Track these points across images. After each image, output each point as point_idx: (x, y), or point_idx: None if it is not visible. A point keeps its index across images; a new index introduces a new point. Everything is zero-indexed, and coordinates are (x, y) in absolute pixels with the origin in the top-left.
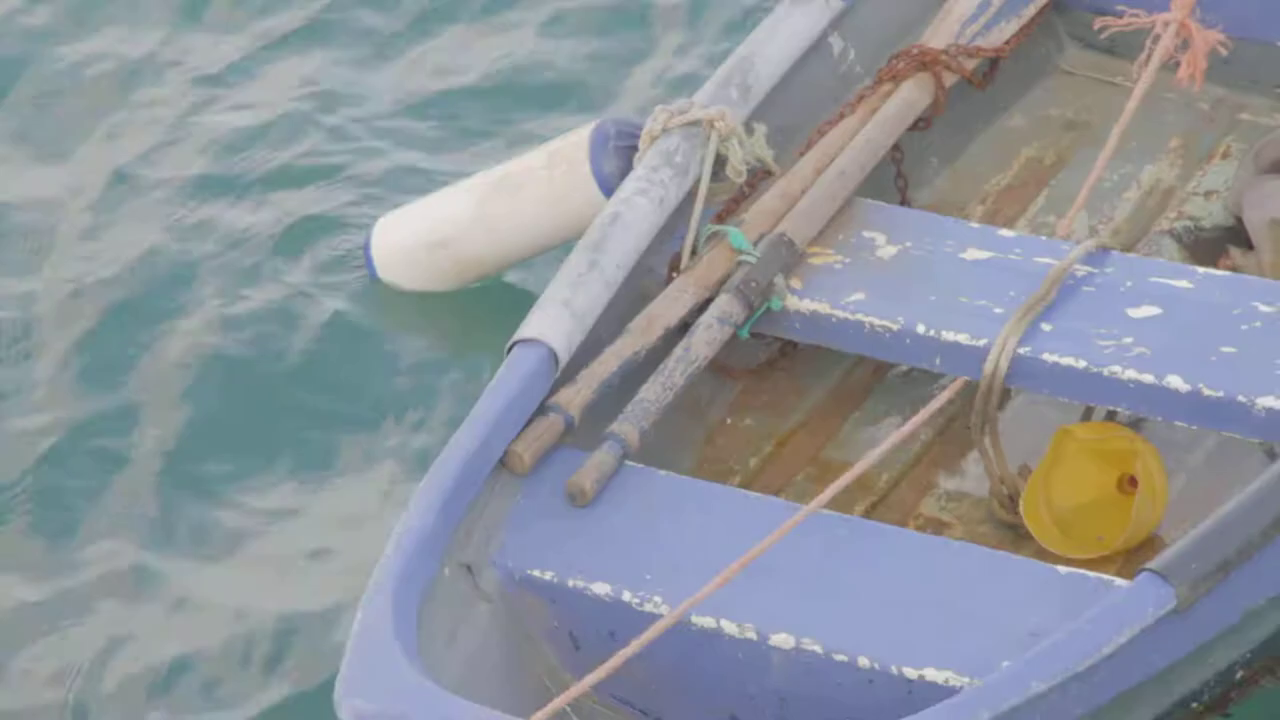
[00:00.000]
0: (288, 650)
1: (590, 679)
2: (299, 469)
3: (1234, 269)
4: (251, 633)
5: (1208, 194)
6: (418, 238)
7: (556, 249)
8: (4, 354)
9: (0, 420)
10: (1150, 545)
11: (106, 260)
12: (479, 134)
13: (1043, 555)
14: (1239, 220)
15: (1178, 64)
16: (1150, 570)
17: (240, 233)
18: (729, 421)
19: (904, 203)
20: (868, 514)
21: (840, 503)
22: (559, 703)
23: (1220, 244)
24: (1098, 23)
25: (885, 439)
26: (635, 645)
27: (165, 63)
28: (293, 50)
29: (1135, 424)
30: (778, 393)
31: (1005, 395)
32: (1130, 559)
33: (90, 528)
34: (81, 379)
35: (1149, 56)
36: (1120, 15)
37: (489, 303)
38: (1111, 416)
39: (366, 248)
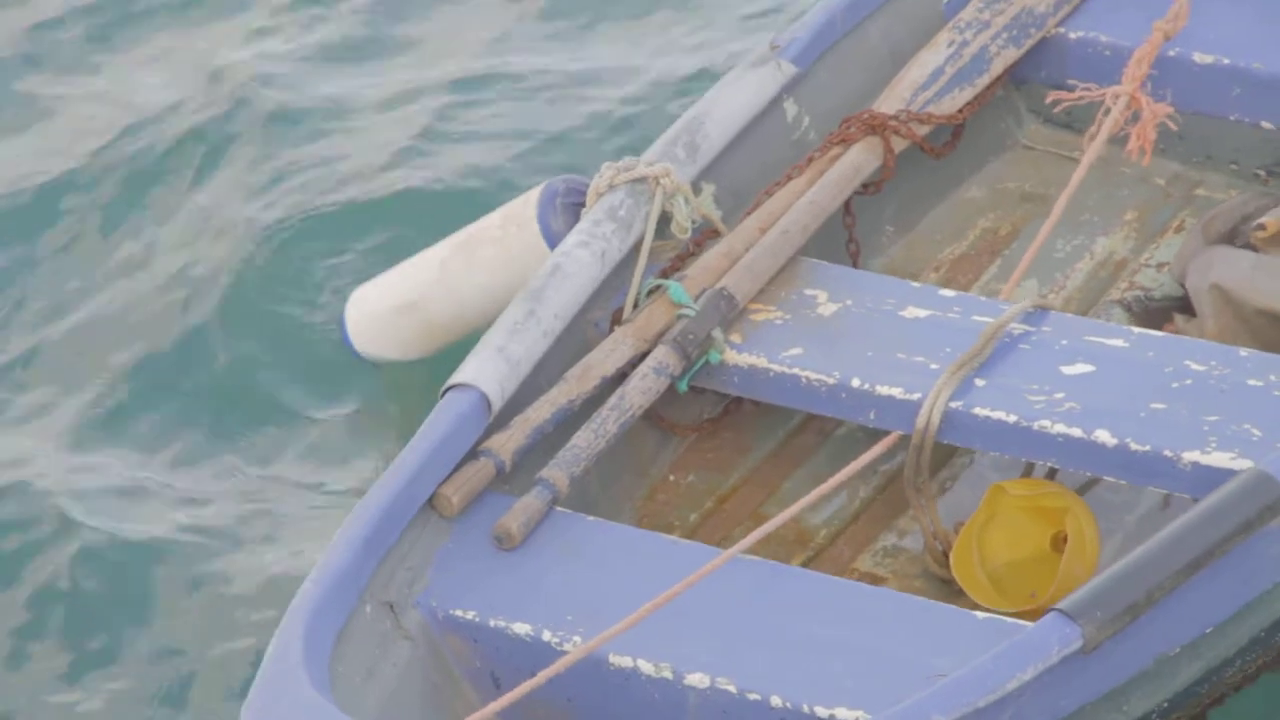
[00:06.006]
0: (207, 682)
1: (493, 706)
2: (243, 517)
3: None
4: (174, 666)
5: (1160, 266)
6: (386, 303)
7: None
8: None
9: None
10: None
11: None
12: (453, 202)
13: (973, 608)
14: (1186, 289)
15: (1129, 137)
16: (1058, 610)
17: (216, 304)
18: (672, 478)
19: (856, 268)
20: (803, 568)
21: (777, 556)
22: None
23: (1170, 313)
24: (1050, 97)
25: (825, 494)
26: (543, 676)
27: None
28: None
29: (1084, 489)
30: (722, 450)
31: (951, 456)
32: None
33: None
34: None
35: (1099, 129)
36: (1073, 89)
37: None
38: (1053, 475)
39: (342, 320)
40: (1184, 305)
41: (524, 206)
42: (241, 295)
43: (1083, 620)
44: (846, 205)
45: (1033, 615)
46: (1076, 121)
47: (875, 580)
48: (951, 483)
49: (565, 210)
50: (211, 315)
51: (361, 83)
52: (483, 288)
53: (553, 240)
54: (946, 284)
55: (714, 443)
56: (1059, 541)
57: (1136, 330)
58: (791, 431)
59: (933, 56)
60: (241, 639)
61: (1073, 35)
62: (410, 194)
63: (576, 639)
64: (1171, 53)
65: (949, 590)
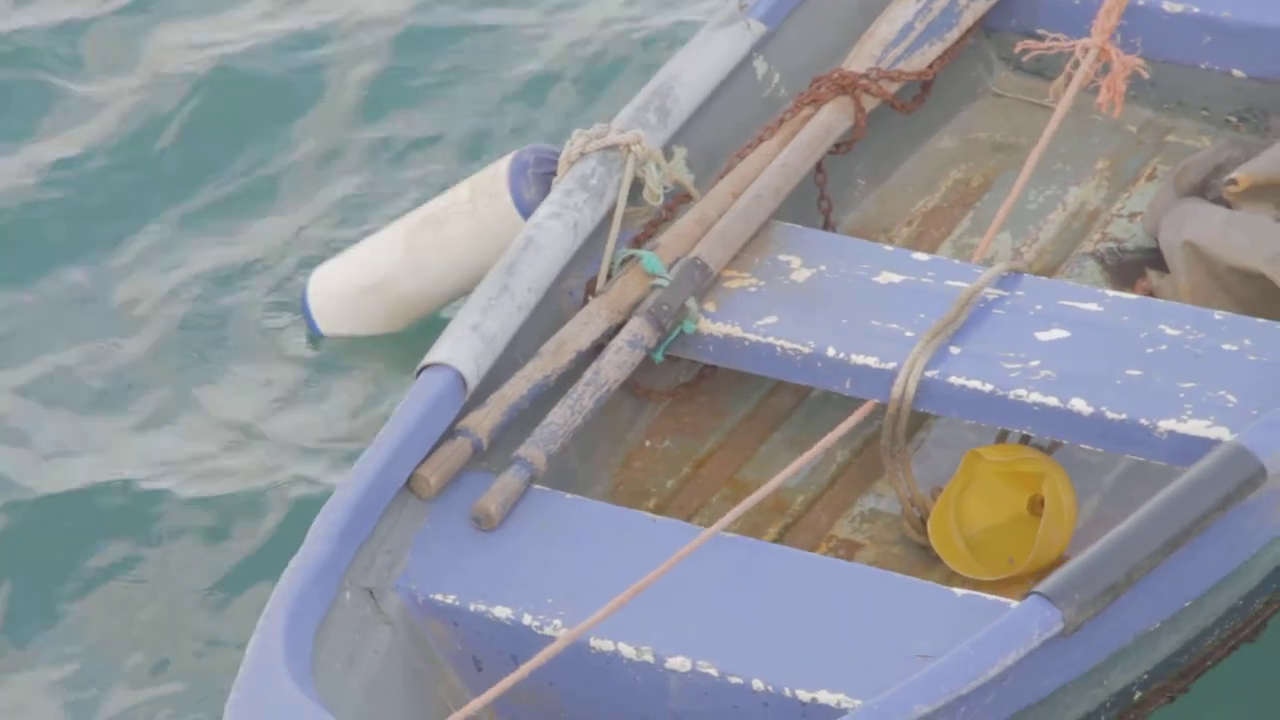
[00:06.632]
0: (189, 679)
1: (478, 701)
2: (230, 506)
3: (1150, 292)
4: (160, 663)
5: (1132, 215)
6: (351, 283)
7: None
8: None
9: None
10: (1059, 566)
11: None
12: (407, 179)
13: (951, 577)
14: (1159, 243)
15: (1099, 88)
16: (1038, 594)
17: (171, 286)
18: (648, 444)
19: (828, 226)
20: (780, 537)
21: (754, 526)
22: None
23: (1142, 266)
24: (1019, 46)
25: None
26: (526, 668)
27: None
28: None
29: (1050, 448)
30: (698, 416)
31: (926, 418)
32: (1038, 581)
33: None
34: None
35: (1068, 81)
36: (1043, 39)
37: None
38: (1026, 440)
39: (304, 301)
40: (1156, 257)
41: (493, 179)
42: (195, 276)
43: (1062, 603)
44: (818, 164)
45: (1011, 583)
46: (1047, 69)
47: (853, 548)
48: (928, 445)
49: (537, 180)
50: (164, 302)
51: (310, 51)
52: (454, 262)
53: (526, 211)
54: (919, 239)
55: (690, 407)
56: (1036, 505)
57: (1110, 293)
58: (766, 394)
59: (902, 11)
60: (218, 630)
61: None
62: (361, 167)
63: (557, 622)
64: (1141, 1)
65: (927, 556)
